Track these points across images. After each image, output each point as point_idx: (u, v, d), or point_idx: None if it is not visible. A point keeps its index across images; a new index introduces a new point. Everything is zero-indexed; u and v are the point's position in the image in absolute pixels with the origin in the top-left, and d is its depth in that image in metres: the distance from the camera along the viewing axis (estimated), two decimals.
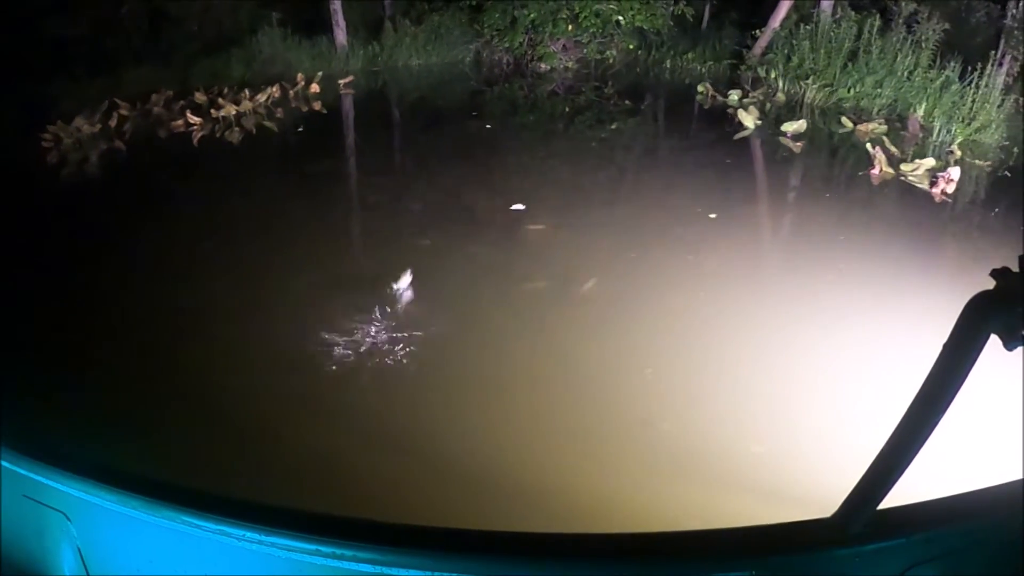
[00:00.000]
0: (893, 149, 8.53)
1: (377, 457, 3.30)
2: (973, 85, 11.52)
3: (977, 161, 10.19)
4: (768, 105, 10.88)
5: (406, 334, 4.28)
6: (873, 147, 8.06)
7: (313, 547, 1.14)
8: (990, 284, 1.01)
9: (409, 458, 3.28)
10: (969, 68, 11.64)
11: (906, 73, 11.54)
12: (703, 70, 12.57)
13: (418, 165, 8.12)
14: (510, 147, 8.84)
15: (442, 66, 11.83)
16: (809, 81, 11.02)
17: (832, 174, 8.51)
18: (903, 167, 7.85)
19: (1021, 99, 12.18)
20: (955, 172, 8.02)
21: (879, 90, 11.43)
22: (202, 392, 3.73)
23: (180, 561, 1.25)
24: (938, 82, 11.70)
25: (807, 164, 8.60)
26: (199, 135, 8.35)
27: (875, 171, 7.66)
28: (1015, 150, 11.69)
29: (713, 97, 10.34)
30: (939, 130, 10.71)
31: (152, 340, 4.32)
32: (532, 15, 11.14)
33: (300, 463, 3.25)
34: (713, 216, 6.42)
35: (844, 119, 9.82)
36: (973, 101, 11.77)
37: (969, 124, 11.77)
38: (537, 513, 2.93)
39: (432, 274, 5.05)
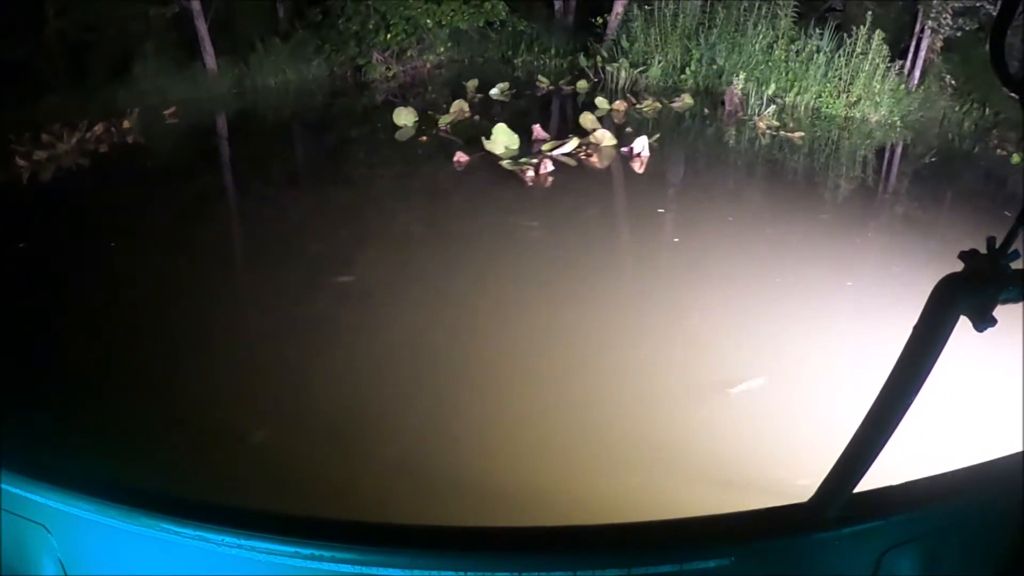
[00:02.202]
0: (595, 126, 7.38)
1: (350, 458, 3.20)
2: (854, 56, 9.52)
3: (784, 132, 8.31)
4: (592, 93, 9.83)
5: None
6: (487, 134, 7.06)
7: (292, 549, 1.13)
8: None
9: (381, 457, 3.19)
10: (844, 36, 9.66)
11: (761, 46, 9.85)
12: (564, 65, 11.65)
13: (222, 200, 7.07)
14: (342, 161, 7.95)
15: (298, 83, 12.03)
16: (618, 64, 9.85)
17: (427, 163, 7.12)
18: (545, 148, 6.79)
19: (948, 76, 9.88)
20: (640, 145, 6.79)
21: (715, 66, 9.83)
22: (168, 394, 3.51)
23: (161, 568, 1.24)
24: (804, 53, 9.82)
25: (417, 156, 7.33)
26: (25, 177, 8.89)
27: (458, 158, 6.72)
28: (898, 125, 9.42)
29: (475, 94, 9.60)
30: (752, 102, 8.92)
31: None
32: (355, 28, 11.18)
33: (273, 465, 3.11)
34: None
35: (599, 100, 8.62)
36: (850, 74, 9.69)
37: (839, 98, 9.68)
38: (514, 507, 2.84)
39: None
